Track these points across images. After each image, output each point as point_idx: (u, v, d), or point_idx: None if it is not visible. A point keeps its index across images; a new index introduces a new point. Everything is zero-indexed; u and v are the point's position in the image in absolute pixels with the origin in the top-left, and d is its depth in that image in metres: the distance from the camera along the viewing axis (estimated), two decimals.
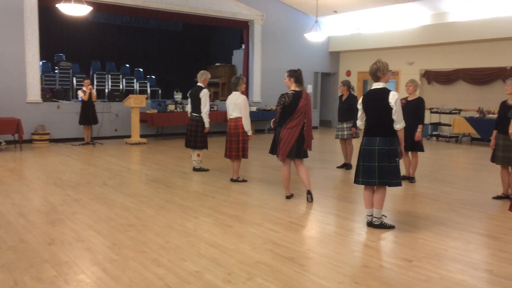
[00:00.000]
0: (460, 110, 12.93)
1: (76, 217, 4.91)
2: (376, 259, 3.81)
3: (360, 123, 4.67)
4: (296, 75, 5.65)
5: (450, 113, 12.81)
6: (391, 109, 4.33)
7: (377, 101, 4.43)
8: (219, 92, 16.33)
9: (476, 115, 12.19)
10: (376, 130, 4.45)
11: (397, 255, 3.88)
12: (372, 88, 4.54)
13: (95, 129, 11.46)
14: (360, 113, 4.65)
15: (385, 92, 4.39)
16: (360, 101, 4.64)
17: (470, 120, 11.97)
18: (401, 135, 4.45)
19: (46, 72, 13.50)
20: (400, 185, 4.52)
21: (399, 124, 4.39)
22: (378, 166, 4.41)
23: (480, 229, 4.74)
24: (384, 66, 4.42)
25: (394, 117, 4.35)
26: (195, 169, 7.76)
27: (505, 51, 12.25)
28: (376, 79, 4.47)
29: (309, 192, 5.72)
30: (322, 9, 14.46)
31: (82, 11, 9.69)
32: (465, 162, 9.61)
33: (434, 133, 13.43)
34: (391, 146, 4.39)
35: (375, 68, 4.44)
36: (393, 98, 4.33)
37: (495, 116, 11.56)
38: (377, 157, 4.41)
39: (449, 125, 12.84)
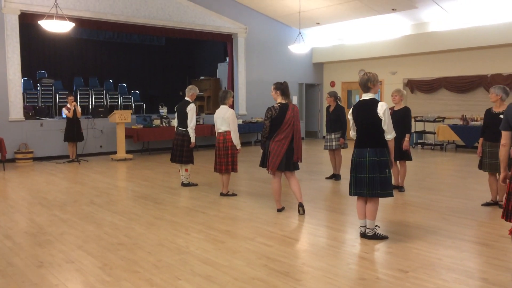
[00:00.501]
0: (444, 118, 13.11)
1: (65, 238, 4.80)
2: (372, 271, 3.79)
3: (353, 133, 4.68)
4: (282, 88, 5.66)
5: (434, 121, 12.98)
6: (380, 120, 4.36)
7: (366, 112, 4.46)
8: (204, 106, 16.30)
9: (460, 122, 12.38)
10: (367, 141, 4.46)
11: (392, 266, 3.87)
12: (361, 99, 4.56)
13: (79, 146, 11.30)
14: (351, 123, 4.66)
15: (374, 103, 4.42)
16: (350, 111, 4.66)
17: (454, 127, 12.15)
18: (391, 145, 4.47)
19: (28, 89, 13.31)
20: (392, 195, 4.53)
21: (389, 135, 4.41)
22: (369, 178, 4.42)
23: (472, 236, 4.77)
24: (374, 77, 4.46)
25: (384, 127, 4.37)
26: (183, 184, 7.68)
27: (485, 60, 12.50)
28: (366, 89, 4.49)
29: (300, 205, 5.70)
30: (305, 21, 14.61)
31: (64, 27, 9.60)
32: (451, 170, 9.72)
33: (419, 141, 13.58)
34: (381, 157, 4.41)
35: (365, 78, 4.46)
36: (382, 109, 4.35)
37: (479, 123, 11.82)
38: (367, 169, 4.42)
39: (434, 133, 13.00)
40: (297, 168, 5.72)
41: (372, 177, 4.39)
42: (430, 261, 3.99)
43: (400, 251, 4.25)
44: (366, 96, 4.51)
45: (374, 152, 4.41)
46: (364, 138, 4.49)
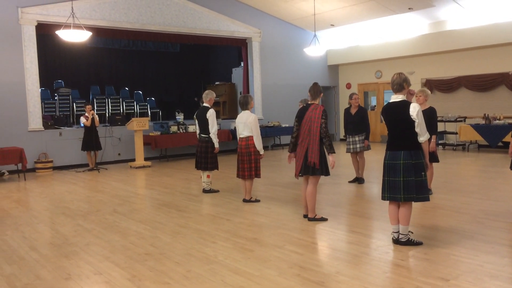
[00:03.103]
0: (465, 117, 12.85)
1: (91, 249, 4.73)
2: (411, 280, 3.63)
3: None
4: (310, 89, 5.55)
5: (455, 121, 12.72)
6: (413, 121, 4.21)
7: (397, 115, 4.31)
8: (221, 111, 16.24)
9: (482, 121, 12.11)
10: (400, 144, 4.31)
11: (432, 274, 3.71)
12: (391, 101, 4.42)
13: (98, 154, 11.29)
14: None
15: (405, 105, 4.27)
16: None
17: (477, 127, 11.88)
18: (425, 148, 4.31)
19: (45, 99, 13.39)
20: (428, 199, 4.37)
21: (423, 137, 4.26)
22: (404, 181, 4.27)
23: (510, 241, 4.57)
24: (408, 77, 4.34)
25: (417, 129, 4.22)
26: (205, 191, 7.59)
27: (506, 57, 12.23)
28: (400, 89, 4.35)
29: (305, 216, 5.58)
30: (319, 23, 14.48)
31: (81, 37, 9.62)
32: (477, 170, 9.47)
33: (440, 142, 13.32)
34: (417, 159, 4.25)
35: (403, 78, 4.33)
36: (415, 111, 4.21)
37: (502, 122, 11.54)
38: (402, 172, 4.27)
39: (455, 133, 12.74)
40: (316, 173, 5.31)
41: (407, 180, 4.23)
42: (471, 268, 3.82)
43: (438, 258, 4.08)
44: (396, 98, 4.37)
45: (408, 154, 4.26)
46: (397, 141, 4.34)
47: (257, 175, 6.63)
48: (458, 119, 12.74)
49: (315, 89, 5.50)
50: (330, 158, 5.34)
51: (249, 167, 6.51)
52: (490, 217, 5.42)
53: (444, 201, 6.38)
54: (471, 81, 12.99)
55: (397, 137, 4.35)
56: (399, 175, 4.27)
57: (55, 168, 11.05)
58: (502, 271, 3.74)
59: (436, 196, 6.69)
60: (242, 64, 15.55)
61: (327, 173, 5.39)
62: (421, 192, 4.27)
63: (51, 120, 11.84)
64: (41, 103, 11.45)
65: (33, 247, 4.87)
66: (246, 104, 6.55)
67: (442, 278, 3.62)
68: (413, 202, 4.42)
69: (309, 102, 5.53)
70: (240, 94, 15.46)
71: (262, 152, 6.57)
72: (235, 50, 16.96)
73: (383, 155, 4.54)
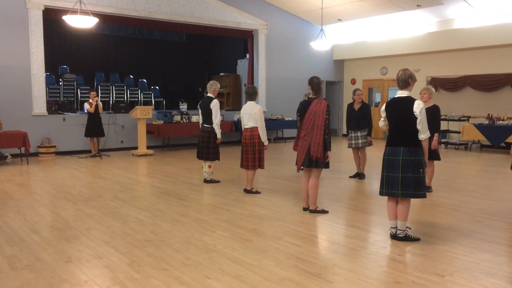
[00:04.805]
0: (469, 117, 12.83)
1: (91, 233, 4.78)
2: (407, 274, 3.67)
3: (383, 123, 4.59)
4: (311, 82, 5.50)
5: (459, 120, 12.70)
6: (415, 118, 4.23)
7: (401, 110, 4.33)
8: (224, 102, 16.23)
9: (486, 121, 12.09)
10: (400, 140, 4.33)
11: (427, 270, 3.74)
12: (396, 97, 4.43)
13: (101, 141, 11.34)
14: (383, 116, 4.54)
15: (410, 101, 4.29)
16: (383, 108, 4.53)
17: (480, 127, 11.87)
18: (425, 145, 4.33)
19: (50, 84, 13.41)
20: (425, 196, 4.40)
21: (423, 134, 4.27)
22: (402, 177, 4.29)
23: (508, 240, 4.60)
24: (414, 74, 4.36)
25: (418, 126, 4.24)
26: (206, 181, 7.63)
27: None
28: (406, 86, 4.36)
29: (305, 209, 5.65)
30: (326, 17, 14.43)
31: (88, 23, 9.62)
32: (478, 170, 9.48)
33: (443, 140, 13.31)
34: (416, 156, 4.27)
35: (408, 74, 4.34)
36: (418, 107, 4.22)
37: (505, 122, 11.53)
38: (400, 168, 4.29)
39: (458, 132, 12.73)
40: (319, 166, 5.39)
41: (405, 176, 4.26)
42: (466, 265, 3.85)
43: (434, 254, 4.12)
44: (401, 94, 4.38)
45: (408, 151, 4.28)
46: (398, 137, 4.36)
47: (261, 166, 6.66)
48: (461, 118, 12.72)
49: (318, 83, 5.48)
50: (326, 155, 5.42)
51: (253, 157, 6.55)
52: (488, 216, 5.45)
53: (444, 199, 6.41)
54: (476, 80, 12.96)
55: (398, 133, 4.37)
56: (397, 171, 4.30)
57: (58, 153, 11.11)
58: (497, 269, 3.77)
59: (436, 194, 6.71)
60: (247, 56, 15.53)
61: (327, 165, 5.49)
62: (418, 188, 4.29)
63: (55, 105, 11.89)
64: (46, 88, 11.49)
65: (34, 229, 4.93)
66: (254, 95, 6.56)
67: (438, 274, 3.66)
68: (411, 199, 4.45)
69: (311, 96, 5.51)
70: (245, 86, 15.44)
71: (266, 143, 6.59)
72: (240, 42, 16.93)
73: None
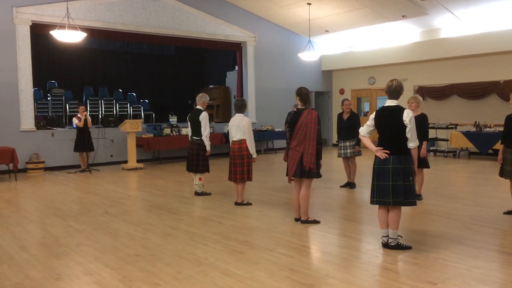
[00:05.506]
0: (457, 124, 12.97)
1: (81, 249, 4.73)
2: (399, 283, 3.67)
3: (365, 132, 4.59)
4: (299, 93, 5.51)
5: (446, 128, 12.84)
6: (405, 127, 4.27)
7: (391, 119, 4.37)
8: (214, 114, 16.25)
9: (473, 129, 12.23)
10: (390, 149, 4.37)
11: (420, 278, 3.75)
12: (385, 105, 4.48)
13: (90, 155, 11.26)
14: (370, 124, 4.55)
15: (399, 110, 4.34)
16: (372, 116, 4.56)
17: (468, 134, 12.00)
18: (414, 154, 4.37)
19: (38, 99, 13.34)
20: (415, 204, 4.43)
21: (413, 143, 4.32)
22: (392, 185, 4.32)
23: (498, 246, 4.64)
24: (402, 84, 4.44)
25: (408, 135, 4.29)
26: (197, 194, 7.60)
27: (497, 66, 12.38)
28: (396, 96, 4.42)
29: (297, 220, 5.65)
30: (314, 29, 14.57)
31: (76, 37, 9.62)
32: (467, 177, 9.56)
33: (431, 148, 13.42)
34: (406, 164, 4.31)
35: (401, 85, 4.41)
36: (408, 116, 4.27)
37: (492, 129, 11.67)
38: (391, 176, 4.32)
39: (446, 140, 12.85)
40: (311, 176, 5.41)
41: (396, 185, 4.29)
42: (458, 272, 3.87)
43: (426, 262, 4.13)
44: (391, 103, 4.43)
45: (398, 159, 4.32)
46: (387, 145, 4.39)
47: (249, 178, 6.65)
48: (449, 126, 12.86)
49: (306, 93, 5.51)
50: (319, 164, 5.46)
51: (241, 170, 6.54)
52: (478, 223, 5.49)
53: (434, 207, 6.44)
54: (463, 89, 13.13)
55: (387, 142, 4.41)
56: (388, 179, 4.33)
57: (47, 168, 11.00)
58: (489, 275, 3.79)
59: (426, 202, 6.75)
60: (236, 68, 15.61)
61: (319, 175, 5.51)
62: (409, 196, 4.32)
63: (44, 121, 11.80)
64: (34, 103, 11.41)
65: (23, 247, 4.86)
66: (243, 107, 6.58)
67: (430, 282, 3.66)
68: (402, 207, 4.48)
69: (300, 107, 5.54)
70: (234, 98, 15.48)
71: (255, 155, 6.59)
72: (229, 54, 17.01)
73: None
